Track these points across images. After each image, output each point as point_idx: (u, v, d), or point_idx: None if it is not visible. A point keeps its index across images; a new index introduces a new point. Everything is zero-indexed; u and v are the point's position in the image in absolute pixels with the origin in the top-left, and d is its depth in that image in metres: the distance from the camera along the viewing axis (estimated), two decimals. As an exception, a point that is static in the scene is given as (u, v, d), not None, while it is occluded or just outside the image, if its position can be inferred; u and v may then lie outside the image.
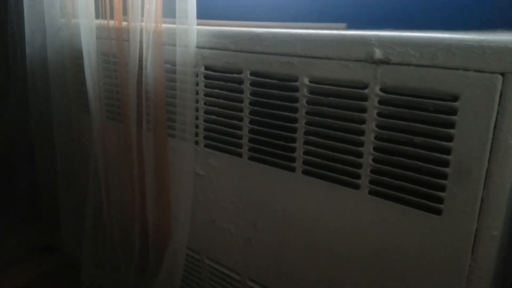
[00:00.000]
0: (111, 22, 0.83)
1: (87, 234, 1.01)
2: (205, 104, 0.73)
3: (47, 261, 1.22)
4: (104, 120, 0.91)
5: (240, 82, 0.67)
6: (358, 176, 0.57)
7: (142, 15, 0.75)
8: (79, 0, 0.84)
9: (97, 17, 0.85)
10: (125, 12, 0.79)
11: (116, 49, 0.83)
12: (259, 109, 0.66)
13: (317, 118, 0.60)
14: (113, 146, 0.91)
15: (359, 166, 0.57)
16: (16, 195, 1.32)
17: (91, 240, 1.02)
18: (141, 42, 0.77)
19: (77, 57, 0.94)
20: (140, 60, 0.78)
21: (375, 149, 0.55)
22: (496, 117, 0.46)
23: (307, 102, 0.60)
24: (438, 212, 0.51)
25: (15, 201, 1.32)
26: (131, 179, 0.87)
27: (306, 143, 0.62)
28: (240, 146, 0.70)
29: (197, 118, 0.75)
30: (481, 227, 0.49)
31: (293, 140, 0.63)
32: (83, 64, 0.87)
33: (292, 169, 0.64)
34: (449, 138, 0.49)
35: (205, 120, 0.74)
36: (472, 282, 0.51)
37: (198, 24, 0.71)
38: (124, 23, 0.81)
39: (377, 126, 0.54)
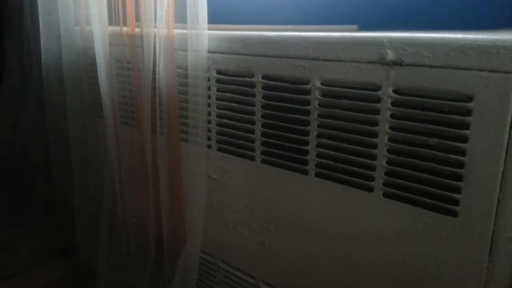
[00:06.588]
0: (124, 29, 0.84)
1: (103, 238, 1.02)
2: (217, 108, 0.74)
3: (64, 265, 1.24)
4: (118, 125, 0.92)
5: (252, 85, 0.67)
6: (372, 179, 0.57)
7: (155, 21, 0.76)
8: (93, 7, 0.85)
9: (110, 23, 0.87)
10: (137, 18, 0.80)
11: (129, 55, 0.84)
12: (271, 112, 0.66)
13: (329, 120, 0.60)
14: (127, 150, 0.92)
15: (372, 168, 0.57)
16: (32, 200, 1.34)
17: (106, 244, 1.03)
18: (154, 47, 0.78)
19: (91, 64, 0.95)
20: (154, 65, 0.79)
21: (388, 151, 0.55)
22: (511, 117, 0.45)
23: (319, 105, 0.60)
24: (454, 214, 0.51)
25: (31, 206, 1.34)
26: (145, 183, 0.88)
27: (318, 145, 0.62)
28: (252, 149, 0.70)
29: (209, 122, 0.75)
30: (498, 229, 0.48)
31: (306, 143, 0.63)
32: (97, 70, 0.88)
33: (305, 172, 0.64)
34: (464, 139, 0.49)
35: (218, 124, 0.74)
36: (490, 285, 0.50)
37: (209, 29, 0.71)
38: (137, 29, 0.82)
39: (391, 127, 0.54)
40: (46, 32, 1.05)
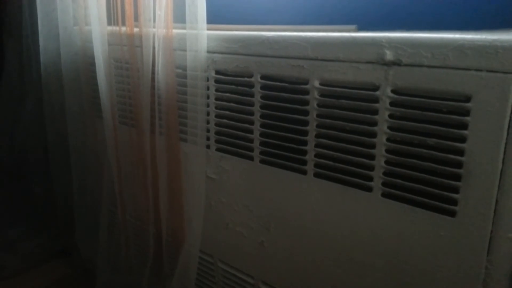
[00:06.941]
0: (123, 29, 0.84)
1: (102, 238, 1.02)
2: (216, 108, 0.74)
3: (63, 265, 1.24)
4: (117, 125, 0.92)
5: (251, 85, 0.67)
6: (370, 179, 0.57)
7: (153, 21, 0.76)
8: (92, 7, 0.85)
9: (109, 23, 0.87)
10: (136, 18, 0.80)
11: (128, 55, 0.84)
12: (270, 112, 0.66)
13: (328, 120, 0.60)
14: (126, 150, 0.92)
15: (371, 168, 0.57)
16: (32, 200, 1.34)
17: (105, 244, 1.03)
18: (153, 47, 0.78)
19: (90, 64, 0.95)
20: (153, 65, 0.79)
21: (387, 151, 0.55)
22: (510, 117, 0.45)
23: (318, 105, 0.60)
24: (452, 214, 0.51)
25: (31, 206, 1.34)
26: (144, 184, 0.88)
27: (317, 145, 0.62)
28: (251, 149, 0.70)
29: (208, 122, 0.75)
30: (497, 229, 0.48)
31: (305, 143, 0.63)
32: (96, 70, 0.88)
33: (304, 172, 0.64)
34: (462, 139, 0.49)
35: (217, 124, 0.74)
36: (489, 285, 0.50)
37: (208, 29, 0.71)
38: (136, 29, 0.82)
39: (389, 127, 0.54)
40: (45, 32, 1.05)
